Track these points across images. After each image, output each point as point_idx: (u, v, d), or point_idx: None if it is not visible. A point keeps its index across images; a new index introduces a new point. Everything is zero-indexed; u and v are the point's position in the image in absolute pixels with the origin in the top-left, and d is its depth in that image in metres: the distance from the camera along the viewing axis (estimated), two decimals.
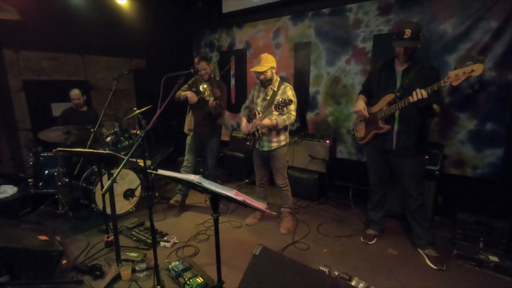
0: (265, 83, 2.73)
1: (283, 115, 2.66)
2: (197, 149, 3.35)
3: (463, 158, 2.93)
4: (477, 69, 1.81)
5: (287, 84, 2.75)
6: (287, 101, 2.43)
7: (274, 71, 2.73)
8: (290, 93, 2.67)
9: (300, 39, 3.93)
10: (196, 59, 3.14)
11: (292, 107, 2.66)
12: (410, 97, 2.07)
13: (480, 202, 2.68)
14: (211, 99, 2.89)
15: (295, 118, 2.71)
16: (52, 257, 2.19)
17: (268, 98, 2.74)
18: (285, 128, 2.79)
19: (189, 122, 3.31)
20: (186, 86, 3.23)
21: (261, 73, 2.65)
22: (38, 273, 2.09)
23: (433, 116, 2.41)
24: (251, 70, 2.70)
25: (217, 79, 3.29)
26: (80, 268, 2.28)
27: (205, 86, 2.90)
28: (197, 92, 3.05)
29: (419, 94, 2.01)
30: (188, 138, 3.34)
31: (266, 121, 2.63)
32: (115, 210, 2.28)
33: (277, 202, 3.03)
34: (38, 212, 3.23)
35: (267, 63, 2.64)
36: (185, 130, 3.36)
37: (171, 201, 3.40)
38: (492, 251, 2.35)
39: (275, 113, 2.64)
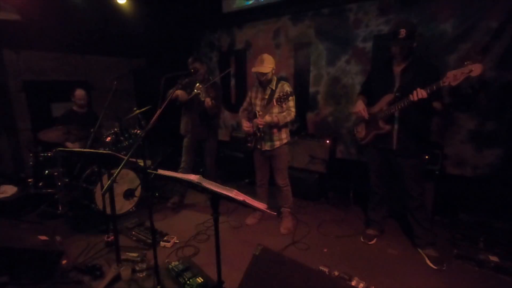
0: (265, 83, 2.75)
1: (283, 112, 2.68)
2: (194, 150, 3.34)
3: (463, 158, 2.93)
4: (475, 69, 1.80)
5: (284, 82, 2.79)
6: (288, 93, 2.48)
7: (273, 71, 2.75)
8: (288, 89, 2.69)
9: (300, 39, 3.92)
10: (189, 60, 3.11)
11: (291, 103, 2.70)
12: (410, 96, 2.05)
13: (480, 202, 2.68)
14: (207, 99, 2.88)
15: (295, 114, 2.73)
16: (52, 257, 2.19)
17: (267, 97, 2.75)
18: (285, 125, 2.81)
19: (185, 123, 3.29)
20: (180, 87, 3.17)
21: (263, 74, 2.66)
22: (38, 273, 2.09)
23: (435, 114, 2.39)
24: (253, 70, 2.70)
25: (211, 78, 3.23)
26: (80, 268, 2.27)
27: (199, 86, 2.89)
28: (191, 93, 3.01)
29: (420, 94, 1.99)
30: (185, 139, 3.33)
31: (268, 118, 2.65)
32: (115, 210, 2.28)
33: (277, 202, 3.03)
34: (38, 212, 3.23)
35: (269, 64, 2.66)
36: (181, 131, 3.34)
37: (169, 204, 3.41)
38: (492, 251, 2.35)
39: (276, 110, 2.67)
